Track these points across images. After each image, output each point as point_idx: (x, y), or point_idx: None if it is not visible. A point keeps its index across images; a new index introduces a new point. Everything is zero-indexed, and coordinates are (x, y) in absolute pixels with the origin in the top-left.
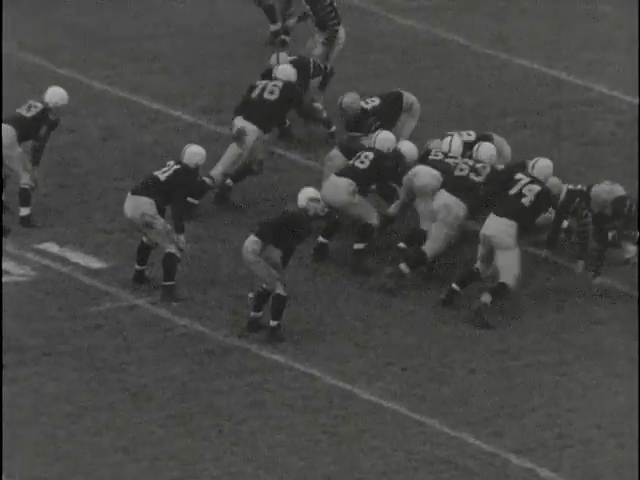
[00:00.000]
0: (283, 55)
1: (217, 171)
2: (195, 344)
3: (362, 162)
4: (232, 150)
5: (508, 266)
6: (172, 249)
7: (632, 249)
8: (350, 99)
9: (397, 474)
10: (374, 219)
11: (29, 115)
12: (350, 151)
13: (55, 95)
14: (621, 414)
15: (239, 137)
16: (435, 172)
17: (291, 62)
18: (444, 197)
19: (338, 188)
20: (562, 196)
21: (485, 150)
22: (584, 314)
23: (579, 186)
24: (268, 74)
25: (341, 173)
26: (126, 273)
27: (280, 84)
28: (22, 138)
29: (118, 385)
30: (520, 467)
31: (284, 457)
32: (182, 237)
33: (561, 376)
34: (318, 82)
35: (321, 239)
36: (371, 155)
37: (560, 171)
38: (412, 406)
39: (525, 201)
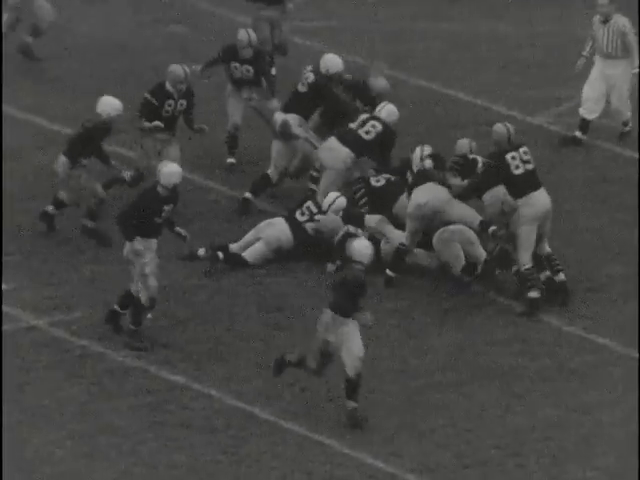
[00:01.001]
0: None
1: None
2: (94, 364)
3: (368, 132)
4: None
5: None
6: (140, 293)
7: None
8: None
9: None
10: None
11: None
12: None
13: (108, 106)
14: (520, 434)
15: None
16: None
17: None
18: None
19: (337, 155)
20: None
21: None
22: (482, 334)
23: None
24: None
25: (343, 139)
26: (25, 294)
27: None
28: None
29: (17, 406)
30: None
31: (183, 477)
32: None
33: (460, 396)
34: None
35: (247, 194)
36: (379, 127)
37: None
38: (311, 426)
39: None
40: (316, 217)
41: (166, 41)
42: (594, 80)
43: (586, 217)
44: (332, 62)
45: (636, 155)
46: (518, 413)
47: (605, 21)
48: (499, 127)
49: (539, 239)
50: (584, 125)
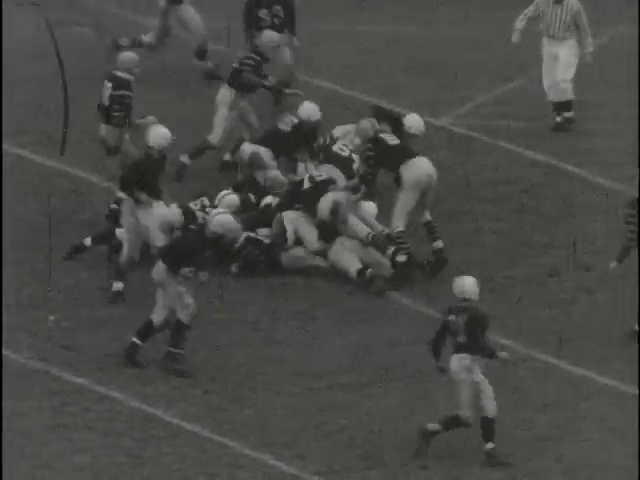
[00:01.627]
0: None
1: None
2: None
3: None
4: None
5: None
6: (181, 315)
7: None
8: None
9: None
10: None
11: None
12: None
13: (159, 137)
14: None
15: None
16: None
17: None
18: None
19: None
20: None
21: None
22: (386, 335)
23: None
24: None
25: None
26: None
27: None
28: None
29: None
30: None
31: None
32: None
33: (364, 397)
34: None
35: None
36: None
37: None
38: (214, 428)
39: None
40: (207, 209)
41: (70, 43)
42: (547, 64)
43: (488, 218)
44: (312, 110)
45: (538, 156)
46: (422, 414)
47: (558, 1)
48: (364, 123)
49: (421, 208)
50: (562, 107)
